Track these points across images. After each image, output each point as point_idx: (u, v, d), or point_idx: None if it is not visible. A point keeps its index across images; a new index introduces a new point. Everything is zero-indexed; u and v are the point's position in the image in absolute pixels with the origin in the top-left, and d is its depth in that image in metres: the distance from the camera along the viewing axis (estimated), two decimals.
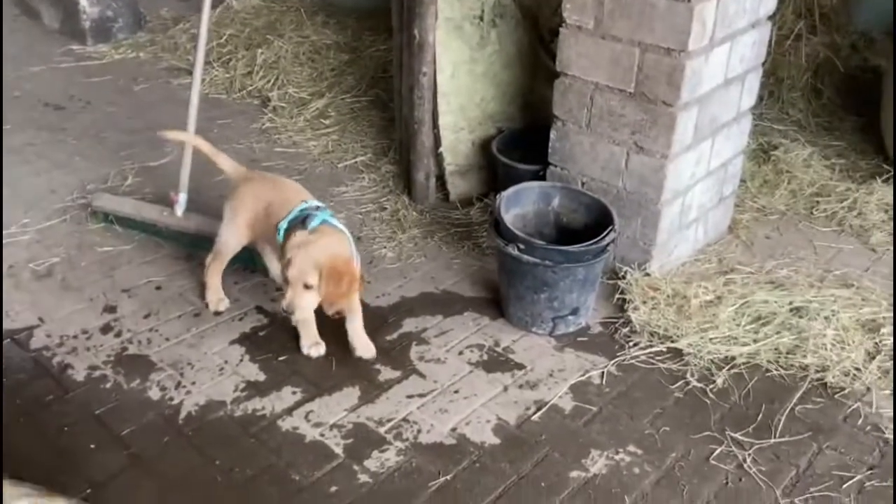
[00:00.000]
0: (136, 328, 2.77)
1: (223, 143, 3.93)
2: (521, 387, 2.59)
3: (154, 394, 2.51)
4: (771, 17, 3.05)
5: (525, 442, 2.39)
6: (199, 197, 3.26)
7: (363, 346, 2.69)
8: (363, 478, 2.25)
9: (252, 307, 2.89)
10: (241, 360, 2.66)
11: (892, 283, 3.03)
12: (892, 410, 2.49)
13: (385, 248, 3.26)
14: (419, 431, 2.41)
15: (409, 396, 2.55)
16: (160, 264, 3.11)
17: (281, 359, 2.66)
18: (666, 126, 2.78)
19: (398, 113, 3.66)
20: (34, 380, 2.55)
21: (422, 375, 2.63)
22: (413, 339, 2.79)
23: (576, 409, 2.51)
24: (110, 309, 2.86)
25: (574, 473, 2.29)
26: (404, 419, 2.46)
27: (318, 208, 2.63)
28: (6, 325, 2.75)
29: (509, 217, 2.77)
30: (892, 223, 3.40)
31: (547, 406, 2.52)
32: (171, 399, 2.49)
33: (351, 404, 2.51)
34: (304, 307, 2.47)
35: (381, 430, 2.42)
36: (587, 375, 2.64)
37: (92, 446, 2.30)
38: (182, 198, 3.17)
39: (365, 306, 2.83)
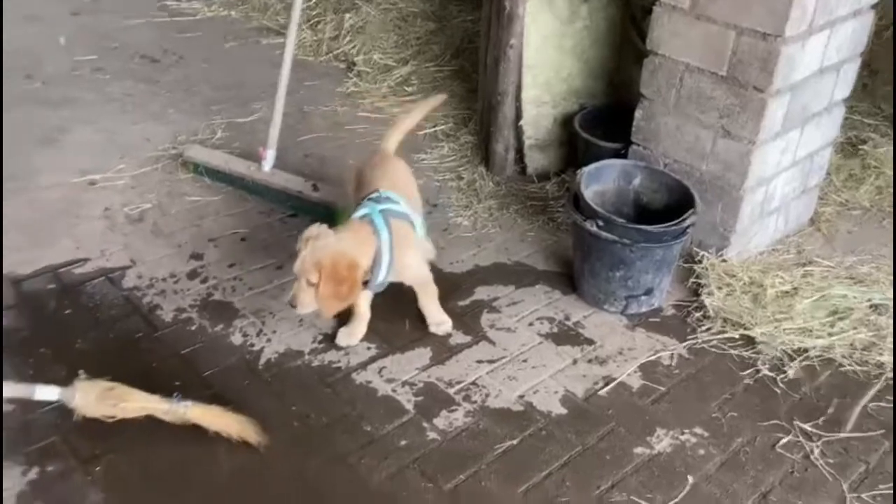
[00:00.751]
0: (221, 276, 2.89)
1: (309, 104, 4.03)
2: (589, 361, 2.62)
3: (236, 339, 2.62)
4: (874, 6, 2.97)
5: (591, 415, 2.42)
6: (285, 155, 3.36)
7: (435, 322, 2.70)
8: (432, 434, 2.33)
9: None
10: (320, 314, 2.75)
11: None
12: None
13: (461, 216, 3.31)
14: (487, 396, 2.47)
15: (479, 362, 2.60)
16: (245, 217, 3.22)
17: None
18: (755, 112, 2.75)
19: (481, 84, 3.68)
20: (125, 317, 2.69)
21: (492, 342, 2.68)
22: (484, 307, 2.84)
23: (643, 388, 2.53)
24: (197, 256, 2.99)
25: (638, 449, 2.32)
26: (473, 383, 2.52)
27: (380, 199, 2.54)
28: (102, 263, 2.91)
29: (589, 193, 2.78)
30: None
31: (615, 382, 2.54)
32: (252, 345, 2.60)
33: (422, 364, 2.58)
34: (307, 303, 2.39)
35: (451, 391, 2.49)
36: (657, 356, 2.66)
37: (177, 383, 2.42)
38: (270, 154, 3.27)
39: (438, 271, 2.89)
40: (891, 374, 2.57)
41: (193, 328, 2.65)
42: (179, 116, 3.90)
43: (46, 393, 2.20)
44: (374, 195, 2.55)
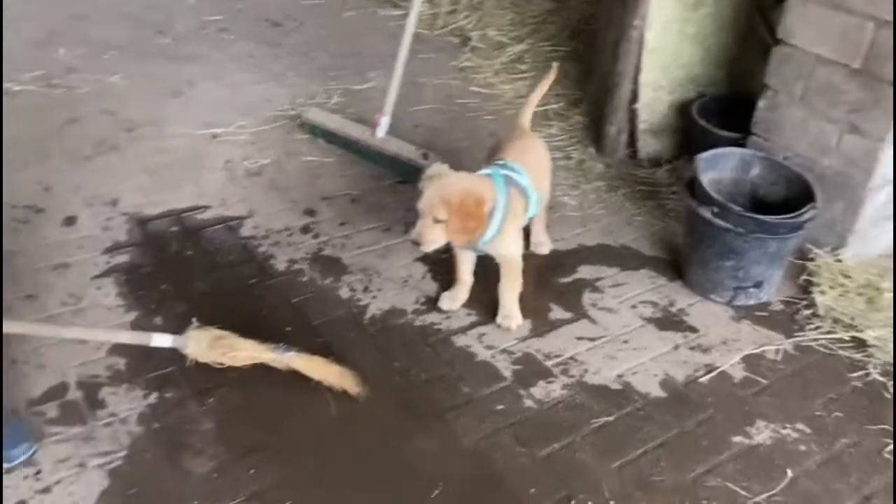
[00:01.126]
0: (332, 233, 2.98)
1: (422, 76, 4.09)
2: (692, 349, 2.60)
3: (344, 293, 2.71)
4: None
5: (691, 400, 2.40)
6: (397, 123, 3.43)
7: (506, 312, 2.63)
8: (528, 402, 2.36)
9: None
10: (424, 277, 2.81)
11: None
12: None
13: (568, 195, 3.30)
14: (586, 371, 2.48)
15: (579, 338, 2.61)
16: (356, 179, 3.31)
17: None
18: (888, 108, 2.64)
19: (598, 64, 3.66)
20: (241, 264, 2.81)
21: (593, 321, 2.69)
22: (587, 286, 2.84)
23: (746, 380, 2.49)
24: (310, 212, 3.09)
25: (737, 438, 2.29)
26: (572, 357, 2.53)
27: (504, 167, 2.57)
28: (221, 211, 3.04)
29: (704, 180, 2.74)
30: None
31: (717, 371, 2.51)
32: (359, 300, 2.68)
33: (522, 335, 2.61)
34: (432, 240, 2.40)
35: (549, 363, 2.51)
36: (762, 349, 2.60)
37: (288, 329, 2.52)
38: (385, 121, 3.34)
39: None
40: None
41: (304, 279, 2.75)
42: (298, 79, 4.02)
43: (162, 340, 2.29)
44: (499, 162, 2.60)
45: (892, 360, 2.55)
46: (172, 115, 3.60)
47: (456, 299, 2.69)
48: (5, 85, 3.65)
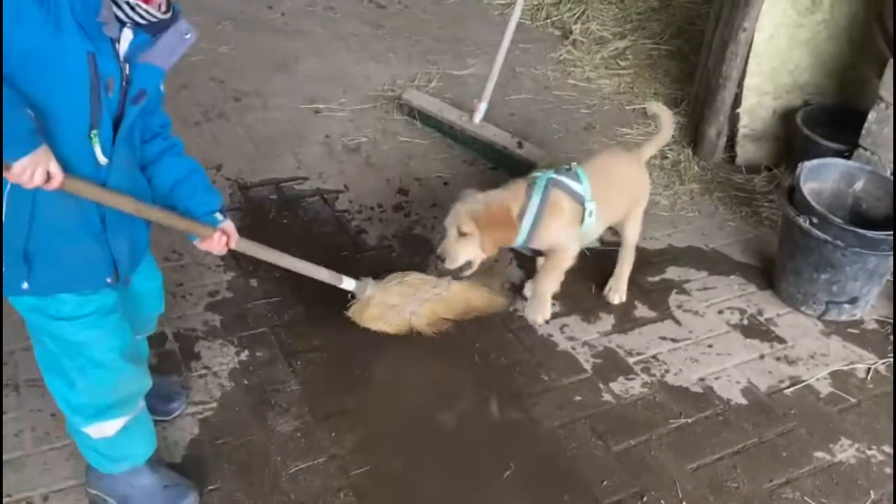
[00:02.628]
0: (423, 213, 3.04)
1: (521, 66, 4.10)
2: (778, 359, 2.55)
3: (431, 272, 2.75)
4: None
5: (773, 411, 2.37)
6: (493, 110, 3.45)
7: (536, 296, 2.55)
8: (607, 396, 2.36)
9: None
10: (510, 263, 2.84)
11: None
12: None
13: (660, 195, 3.27)
14: (667, 372, 2.47)
15: (662, 338, 2.60)
16: (449, 163, 3.36)
17: None
18: None
19: (702, 65, 3.60)
20: (335, 235, 2.90)
21: (677, 322, 2.67)
22: (674, 287, 2.82)
23: (832, 396, 2.43)
24: (403, 191, 3.16)
25: (818, 454, 2.24)
26: (654, 357, 2.53)
27: (563, 171, 2.51)
28: (319, 184, 3.14)
29: (805, 189, 2.67)
30: None
31: (802, 384, 2.46)
32: None
33: (605, 329, 2.61)
34: (456, 256, 2.39)
35: (630, 360, 2.50)
36: (851, 366, 2.54)
37: None
38: (482, 107, 3.37)
39: None
40: None
41: (394, 255, 2.82)
42: (399, 61, 4.09)
43: (348, 284, 2.35)
44: (566, 166, 2.55)
45: None
46: (278, 87, 3.71)
47: (547, 316, 2.60)
48: None
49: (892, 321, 2.72)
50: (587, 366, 2.46)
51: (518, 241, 2.46)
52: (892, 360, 2.57)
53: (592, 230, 2.55)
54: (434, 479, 2.10)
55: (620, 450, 2.21)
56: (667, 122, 2.81)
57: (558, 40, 4.43)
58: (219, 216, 1.87)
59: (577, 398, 2.35)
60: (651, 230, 3.07)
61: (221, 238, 1.87)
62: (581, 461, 2.17)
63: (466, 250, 2.40)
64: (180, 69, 3.78)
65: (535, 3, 4.68)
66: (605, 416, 2.30)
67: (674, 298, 2.76)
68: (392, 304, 2.40)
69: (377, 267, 2.74)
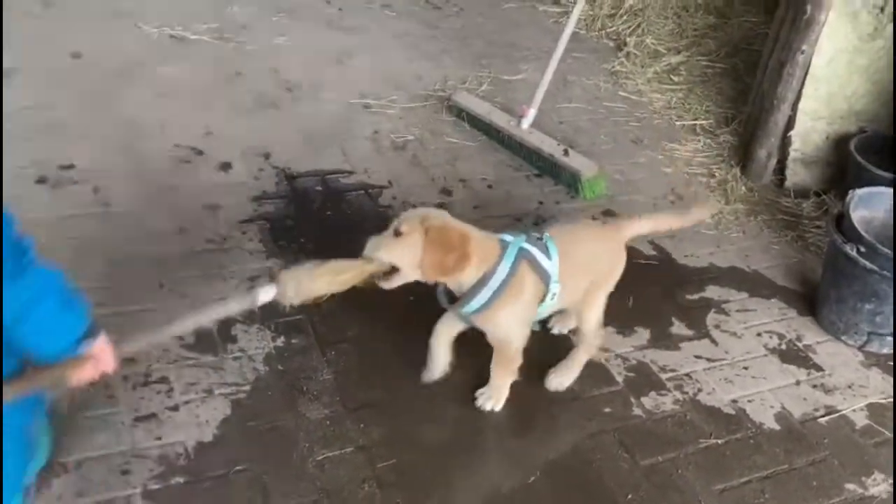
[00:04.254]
0: (466, 214, 3.03)
1: (573, 74, 4.10)
2: (814, 387, 2.51)
3: None
4: None
5: (805, 439, 2.33)
6: (541, 117, 3.45)
7: (491, 386, 2.29)
8: (637, 411, 2.35)
9: None
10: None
11: None
12: None
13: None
14: (699, 391, 2.45)
15: (697, 357, 2.58)
16: (495, 166, 3.36)
17: None
18: None
19: (756, 85, 3.56)
20: (377, 230, 2.88)
21: (714, 342, 2.64)
22: (713, 307, 2.79)
23: (868, 428, 2.39)
24: (447, 191, 3.17)
25: (850, 486, 2.21)
26: (687, 374, 2.50)
27: (534, 240, 2.19)
28: (364, 178, 3.17)
29: (855, 216, 2.63)
30: None
31: (837, 414, 2.43)
32: None
33: (639, 343, 2.59)
34: (383, 253, 2.05)
35: (663, 376, 2.49)
36: (889, 400, 2.49)
37: (411, 298, 2.59)
38: (531, 113, 3.38)
39: (671, 261, 2.89)
40: None
41: None
42: (451, 62, 4.10)
43: (265, 295, 1.94)
44: (537, 234, 2.22)
45: None
46: (330, 80, 3.75)
47: (429, 374, 2.34)
48: (181, 32, 3.90)
49: None
50: (619, 378, 2.45)
51: (467, 306, 2.11)
52: None
53: (545, 310, 2.27)
54: (458, 480, 2.11)
55: (648, 465, 2.19)
56: (694, 217, 2.59)
57: (612, 52, 4.42)
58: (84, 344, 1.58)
59: (607, 410, 2.34)
60: (693, 247, 3.04)
61: (95, 365, 1.60)
62: (607, 473, 2.16)
63: (394, 252, 2.05)
64: (235, 56, 3.88)
65: (591, 13, 4.67)
66: (634, 430, 2.29)
67: (712, 318, 2.74)
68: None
69: None
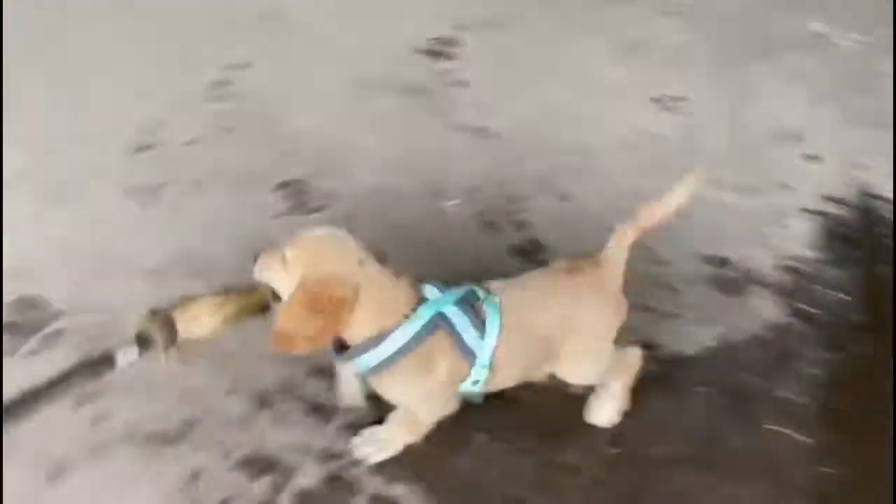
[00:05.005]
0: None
1: None
2: None
3: None
4: None
5: None
6: None
7: (366, 438, 1.93)
8: None
9: None
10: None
11: None
12: None
13: None
14: None
15: None
16: None
17: None
18: None
19: None
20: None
21: None
22: None
23: None
24: None
25: None
26: None
27: (474, 299, 1.77)
28: None
29: None
30: None
31: None
32: None
33: None
34: (262, 271, 1.73)
35: None
36: None
37: None
38: None
39: None
40: None
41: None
42: None
43: (128, 356, 1.77)
44: (475, 287, 1.75)
45: None
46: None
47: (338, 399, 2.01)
48: None
49: None
50: None
51: (354, 361, 1.72)
52: None
53: (473, 394, 1.83)
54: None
55: None
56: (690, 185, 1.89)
57: None
58: None
59: None
60: None
61: None
62: None
63: (276, 279, 1.71)
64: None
65: None
66: None
67: None
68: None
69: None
